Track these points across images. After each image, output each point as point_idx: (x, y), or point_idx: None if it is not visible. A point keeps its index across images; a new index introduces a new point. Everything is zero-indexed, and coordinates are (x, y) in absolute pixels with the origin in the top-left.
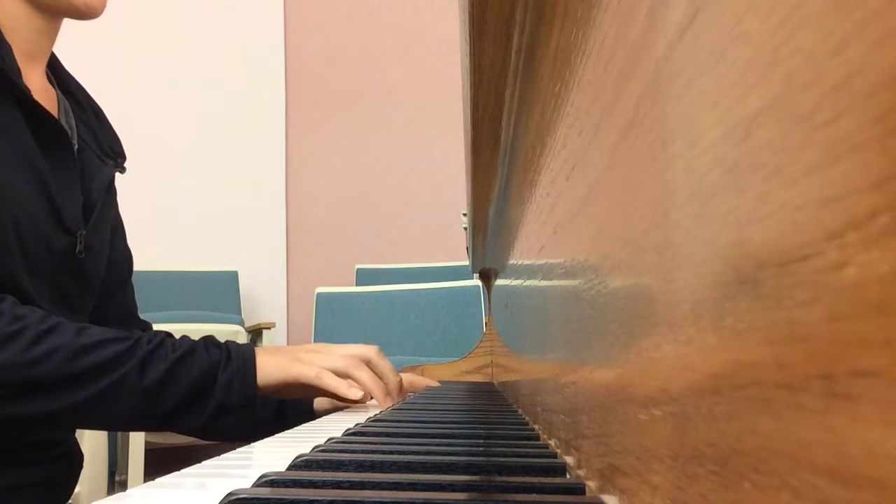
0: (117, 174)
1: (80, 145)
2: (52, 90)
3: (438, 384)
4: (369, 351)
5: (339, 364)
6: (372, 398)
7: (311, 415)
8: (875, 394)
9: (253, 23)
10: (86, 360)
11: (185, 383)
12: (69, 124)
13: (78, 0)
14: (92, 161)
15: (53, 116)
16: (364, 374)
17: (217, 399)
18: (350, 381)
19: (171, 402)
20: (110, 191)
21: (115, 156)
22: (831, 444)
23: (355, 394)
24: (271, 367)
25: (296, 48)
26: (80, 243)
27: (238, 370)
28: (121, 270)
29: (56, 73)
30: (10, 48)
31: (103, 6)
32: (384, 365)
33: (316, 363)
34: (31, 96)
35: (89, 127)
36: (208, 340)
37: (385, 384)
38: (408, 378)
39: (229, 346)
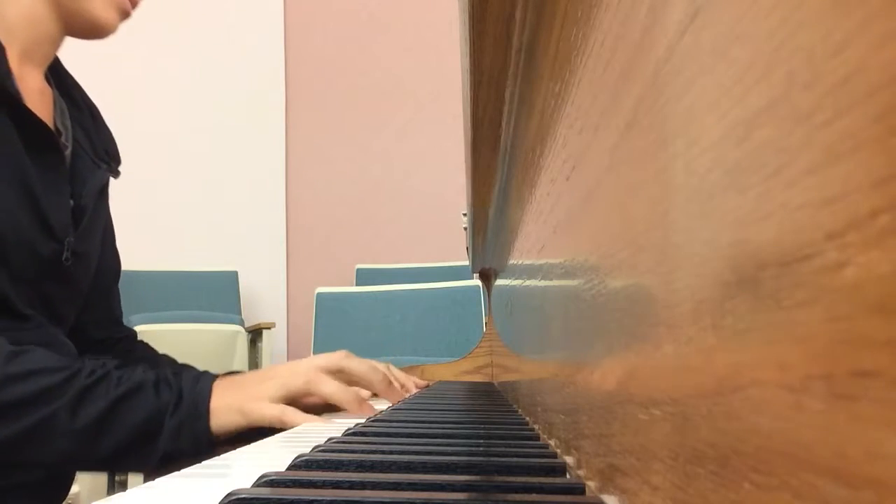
0: (112, 178)
1: (75, 148)
2: (49, 91)
3: (421, 386)
4: (334, 358)
5: (299, 384)
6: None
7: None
8: (875, 394)
9: (253, 23)
10: (11, 392)
11: (127, 426)
12: (64, 125)
13: (99, 11)
14: (85, 164)
15: (42, 119)
16: (328, 387)
17: (163, 447)
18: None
19: (110, 445)
20: (102, 195)
21: (109, 159)
22: (831, 444)
23: (310, 418)
24: (228, 410)
25: (296, 48)
26: (67, 250)
27: (189, 415)
28: (107, 276)
29: (55, 73)
30: (2, 50)
31: (117, 26)
32: (358, 367)
33: (276, 398)
34: (20, 99)
35: (85, 129)
36: (162, 377)
37: (370, 385)
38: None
39: (183, 385)
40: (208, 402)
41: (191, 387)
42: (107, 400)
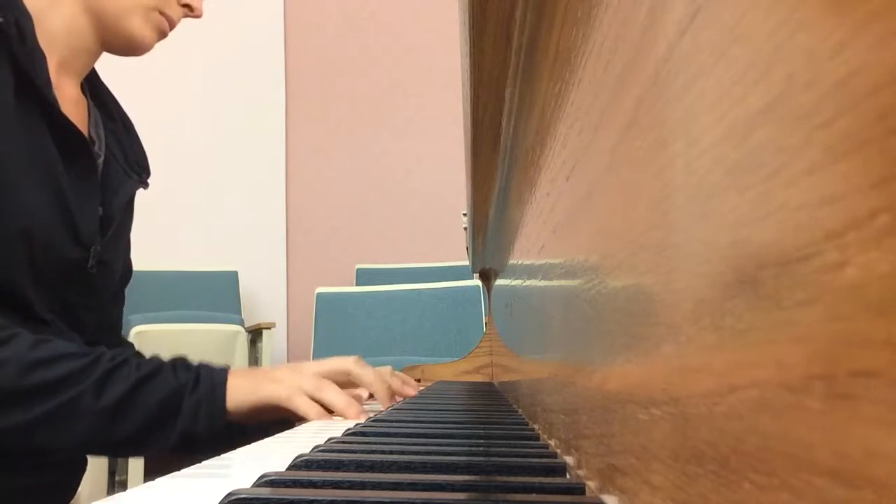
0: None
1: (107, 157)
2: (84, 100)
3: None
4: (346, 363)
5: (310, 384)
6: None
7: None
8: (875, 394)
9: (253, 23)
10: (37, 376)
11: (147, 406)
12: (98, 134)
13: (137, 29)
14: (117, 174)
15: (76, 127)
16: (333, 396)
17: (182, 425)
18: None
19: (131, 425)
20: (129, 205)
21: (140, 170)
22: (831, 444)
23: (321, 414)
24: (243, 389)
25: (296, 48)
26: (93, 258)
27: (206, 394)
28: (117, 282)
29: (91, 84)
30: (43, 58)
31: (153, 44)
32: (366, 374)
33: (289, 382)
34: (57, 106)
35: (118, 140)
36: (178, 361)
37: (377, 390)
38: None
39: (200, 368)
40: (225, 382)
41: (207, 369)
42: (129, 382)
